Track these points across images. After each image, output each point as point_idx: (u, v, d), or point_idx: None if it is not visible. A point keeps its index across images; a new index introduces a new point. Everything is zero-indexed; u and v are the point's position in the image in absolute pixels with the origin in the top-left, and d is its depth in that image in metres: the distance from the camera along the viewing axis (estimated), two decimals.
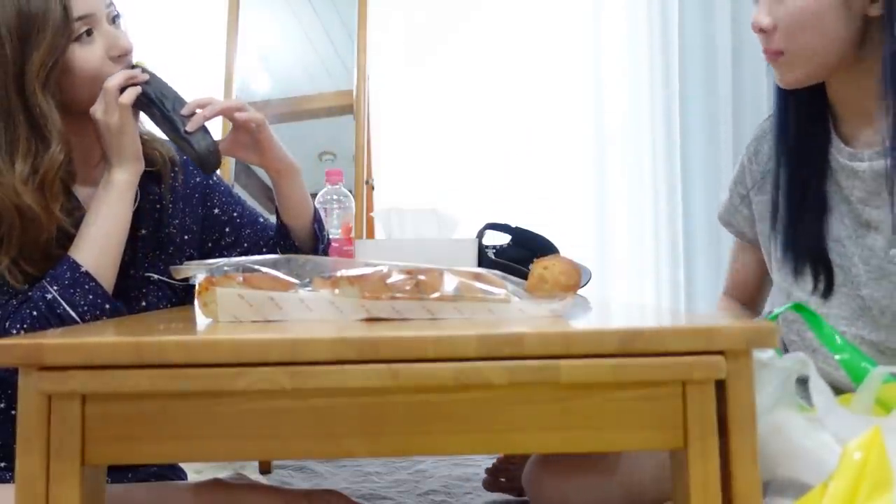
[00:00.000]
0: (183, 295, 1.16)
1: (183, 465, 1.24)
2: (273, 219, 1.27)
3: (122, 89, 1.03)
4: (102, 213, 1.03)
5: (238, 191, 1.95)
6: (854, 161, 1.03)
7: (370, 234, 2.33)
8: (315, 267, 0.81)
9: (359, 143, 2.34)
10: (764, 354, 0.84)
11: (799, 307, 0.98)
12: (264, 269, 0.78)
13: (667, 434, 0.62)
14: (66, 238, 1.02)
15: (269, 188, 1.24)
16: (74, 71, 1.02)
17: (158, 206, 1.17)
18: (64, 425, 0.61)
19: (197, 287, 0.76)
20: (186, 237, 1.20)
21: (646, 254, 2.82)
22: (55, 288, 0.96)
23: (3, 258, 0.97)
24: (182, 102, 1.08)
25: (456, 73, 2.76)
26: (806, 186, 1.08)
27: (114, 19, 1.07)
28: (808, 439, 0.77)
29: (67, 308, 0.95)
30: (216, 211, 1.25)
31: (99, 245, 1.01)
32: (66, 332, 0.73)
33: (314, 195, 1.27)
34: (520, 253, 1.43)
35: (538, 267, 0.79)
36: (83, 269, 0.98)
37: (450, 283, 0.74)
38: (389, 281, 0.74)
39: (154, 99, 1.06)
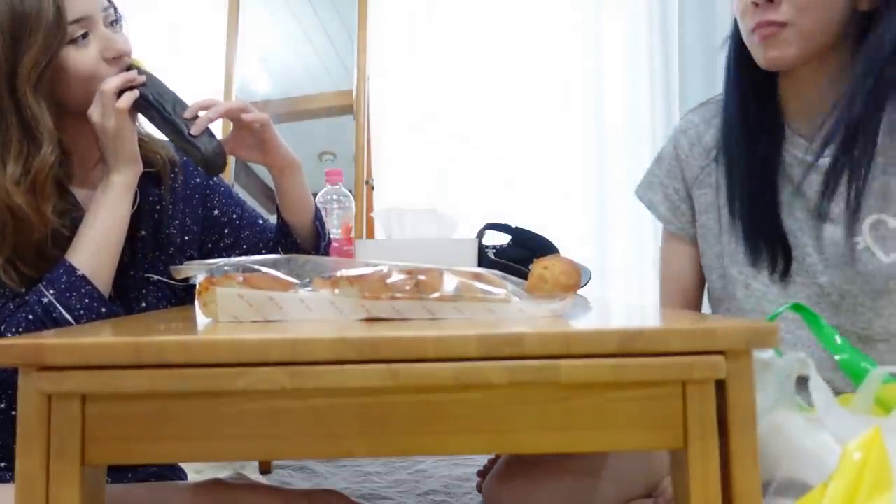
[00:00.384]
0: (183, 296, 1.16)
1: (183, 465, 1.24)
2: (273, 219, 1.27)
3: (121, 92, 1.03)
4: (100, 215, 1.02)
5: (238, 190, 1.96)
6: (808, 154, 1.05)
7: (370, 234, 2.33)
8: (315, 267, 0.81)
9: (359, 143, 2.34)
10: (764, 354, 0.84)
11: (798, 307, 0.98)
12: (264, 269, 0.78)
13: (667, 434, 0.62)
14: (63, 239, 1.02)
15: (270, 188, 1.24)
16: (68, 73, 1.01)
17: (158, 206, 1.17)
18: (64, 425, 0.61)
19: (197, 287, 0.76)
20: (186, 238, 1.20)
21: (646, 254, 2.82)
22: (51, 292, 0.96)
23: None
24: (182, 104, 1.08)
25: (456, 74, 2.75)
26: (761, 178, 1.08)
27: (112, 23, 1.06)
28: (808, 439, 0.77)
29: (63, 312, 0.95)
30: (216, 212, 1.25)
31: (96, 248, 1.01)
32: (66, 333, 0.73)
33: (314, 195, 1.27)
34: (520, 253, 1.43)
35: (538, 267, 0.79)
36: (79, 273, 0.98)
37: (450, 283, 0.74)
38: (389, 281, 0.74)
39: (153, 101, 1.05)
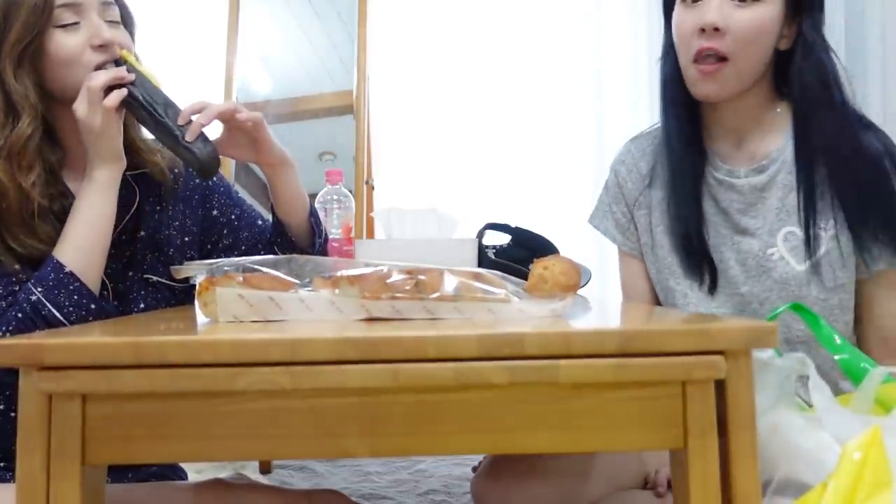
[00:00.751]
0: (182, 297, 1.16)
1: (183, 465, 1.24)
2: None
3: (109, 89, 1.02)
4: (85, 212, 1.02)
5: (238, 190, 1.95)
6: (732, 177, 1.16)
7: (370, 234, 2.33)
8: (315, 267, 0.81)
9: (359, 143, 2.34)
10: (763, 354, 0.84)
11: (798, 307, 0.98)
12: (264, 269, 0.78)
13: (667, 434, 0.63)
14: (54, 217, 1.03)
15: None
16: (50, 55, 1.02)
17: (158, 207, 1.17)
18: (64, 425, 0.61)
19: (197, 287, 0.76)
20: (186, 239, 1.19)
21: None
22: (40, 289, 0.96)
23: None
24: (173, 106, 1.06)
25: (456, 73, 2.75)
26: (687, 198, 1.18)
27: (113, 21, 1.06)
28: (807, 439, 0.77)
29: (52, 309, 0.95)
30: (215, 212, 1.25)
31: (82, 244, 1.00)
32: (66, 333, 0.73)
33: (314, 195, 1.27)
34: (520, 253, 1.43)
35: (538, 267, 0.79)
36: (67, 270, 0.98)
37: (450, 283, 0.74)
38: (389, 281, 0.74)
39: (143, 102, 1.04)
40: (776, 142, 1.14)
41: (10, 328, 0.94)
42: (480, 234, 1.40)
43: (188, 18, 2.64)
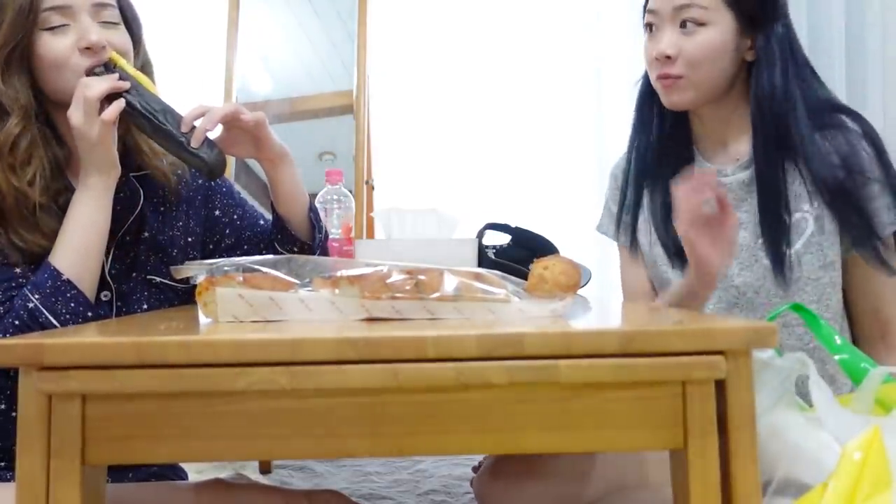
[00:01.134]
0: (185, 297, 1.16)
1: (183, 465, 1.24)
2: None
3: (106, 98, 1.01)
4: (81, 219, 1.02)
5: (239, 191, 1.95)
6: (720, 176, 1.22)
7: (370, 234, 2.33)
8: (315, 267, 0.81)
9: (359, 143, 2.34)
10: (764, 354, 0.84)
11: (797, 307, 0.98)
12: (264, 269, 0.78)
13: (667, 434, 0.63)
14: (59, 210, 1.03)
15: None
16: (39, 57, 1.03)
17: (162, 209, 1.17)
18: (64, 425, 0.61)
19: (197, 287, 0.76)
20: (189, 240, 1.20)
21: None
22: (36, 297, 0.96)
23: None
24: (171, 112, 1.06)
25: (456, 73, 2.75)
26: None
27: (108, 22, 1.06)
28: (807, 439, 0.77)
29: (49, 317, 0.95)
30: (217, 213, 1.25)
31: (78, 249, 1.00)
32: (67, 333, 0.73)
33: (314, 195, 1.27)
34: (520, 253, 1.43)
35: (538, 267, 0.79)
36: (64, 277, 0.98)
37: (450, 283, 0.74)
38: (389, 281, 0.74)
39: (141, 110, 1.03)
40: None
41: (7, 335, 0.93)
42: (480, 234, 1.40)
43: (188, 18, 2.64)
